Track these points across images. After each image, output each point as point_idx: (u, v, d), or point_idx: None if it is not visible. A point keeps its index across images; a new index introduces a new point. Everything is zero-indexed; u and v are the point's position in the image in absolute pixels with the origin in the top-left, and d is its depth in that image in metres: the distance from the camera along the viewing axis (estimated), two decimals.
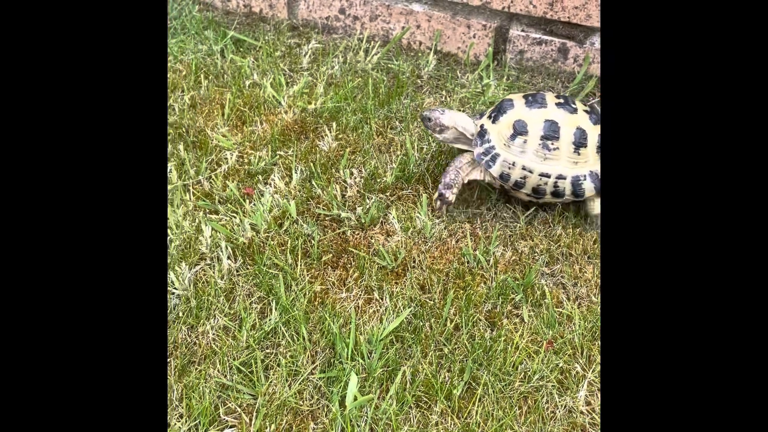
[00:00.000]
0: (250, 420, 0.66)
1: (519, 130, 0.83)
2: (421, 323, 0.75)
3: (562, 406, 0.69)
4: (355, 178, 0.93)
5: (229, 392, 0.68)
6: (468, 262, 0.82)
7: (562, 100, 0.85)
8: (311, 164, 0.94)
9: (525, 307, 0.77)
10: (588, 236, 0.86)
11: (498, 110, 0.86)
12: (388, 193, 0.91)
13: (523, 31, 1.14)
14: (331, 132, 1.00)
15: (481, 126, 0.86)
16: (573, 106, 0.85)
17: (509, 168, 0.84)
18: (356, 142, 0.99)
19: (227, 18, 1.27)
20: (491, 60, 1.17)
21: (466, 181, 0.87)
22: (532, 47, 1.15)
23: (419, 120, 0.98)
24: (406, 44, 1.22)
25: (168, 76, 1.09)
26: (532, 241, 0.86)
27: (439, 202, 0.87)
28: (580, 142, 0.83)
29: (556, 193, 0.84)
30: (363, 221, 0.87)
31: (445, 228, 0.87)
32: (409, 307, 0.76)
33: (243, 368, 0.70)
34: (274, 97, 1.06)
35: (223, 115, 1.02)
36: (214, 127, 1.00)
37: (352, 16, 1.23)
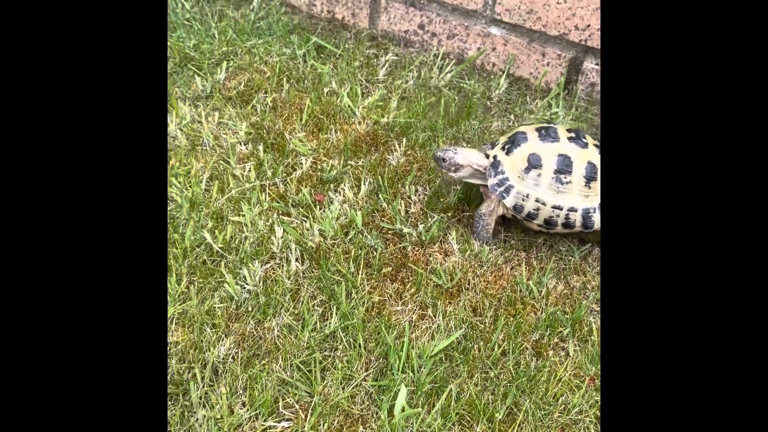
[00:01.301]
0: (306, 417, 0.72)
1: (534, 163, 0.86)
2: (471, 345, 0.79)
3: None
4: (420, 195, 0.98)
5: (288, 388, 0.74)
6: (520, 291, 0.86)
7: (573, 135, 0.88)
8: (379, 177, 0.99)
9: (572, 341, 0.81)
10: None
11: (512, 142, 0.89)
12: (449, 214, 0.96)
13: (597, 64, 1.16)
14: (400, 147, 1.05)
15: (495, 157, 0.89)
16: (584, 140, 0.87)
17: (523, 200, 0.87)
18: (423, 160, 1.03)
19: (311, 21, 1.33)
20: (562, 89, 1.19)
21: (492, 223, 0.90)
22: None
23: (433, 159, 1.00)
24: (479, 64, 1.25)
25: (253, 77, 1.15)
26: (585, 276, 0.89)
27: (478, 242, 0.91)
28: (591, 176, 0.86)
29: (567, 224, 0.87)
30: (423, 238, 0.91)
31: (501, 254, 0.91)
32: (460, 328, 0.81)
33: (302, 367, 0.76)
34: (349, 107, 1.11)
35: (301, 120, 1.08)
36: (293, 131, 1.06)
37: (430, 33, 1.27)
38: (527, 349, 0.80)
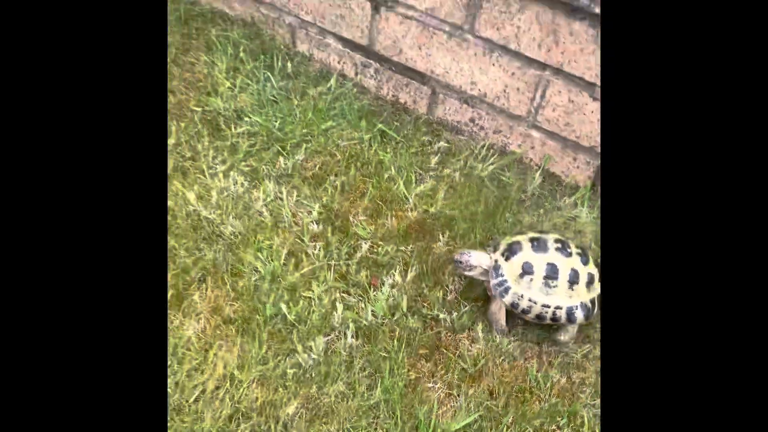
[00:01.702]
0: None
1: (527, 270, 1.07)
2: (485, 425, 1.00)
3: None
4: (456, 284, 1.19)
5: None
6: (530, 381, 1.07)
7: (560, 245, 1.08)
8: (424, 264, 1.20)
9: (567, 430, 1.01)
10: None
11: (510, 251, 1.09)
12: (480, 303, 1.16)
13: None
14: (443, 237, 1.25)
15: (496, 261, 1.09)
16: (568, 250, 1.07)
17: (519, 299, 1.07)
18: (463, 247, 1.24)
19: (377, 103, 1.54)
20: (588, 190, 1.38)
21: (501, 317, 1.10)
22: None
23: (453, 261, 1.18)
24: (518, 156, 1.44)
25: (326, 160, 1.37)
26: (585, 373, 1.09)
27: (498, 334, 1.11)
28: (573, 281, 1.06)
29: (554, 319, 1.07)
30: (455, 326, 1.12)
31: (518, 346, 1.11)
32: (478, 410, 1.02)
33: (352, 431, 0.98)
34: (404, 194, 1.32)
35: (363, 204, 1.30)
36: (356, 214, 1.28)
37: (479, 126, 1.46)
38: None
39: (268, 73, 1.52)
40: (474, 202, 1.33)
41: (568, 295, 1.06)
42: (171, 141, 1.35)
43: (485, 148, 1.44)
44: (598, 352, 1.12)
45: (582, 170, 1.38)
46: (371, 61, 1.52)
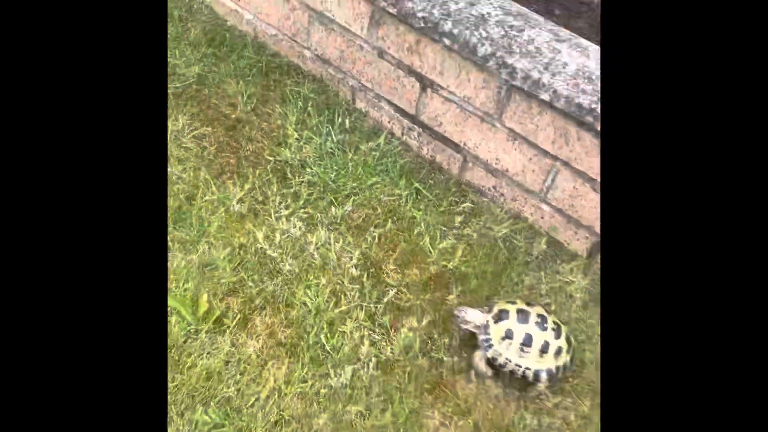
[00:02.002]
0: None
1: (508, 335, 1.36)
2: None
3: None
4: (461, 333, 1.48)
5: None
6: (507, 420, 1.37)
7: (539, 320, 1.36)
8: (437, 313, 1.50)
9: None
10: None
11: (499, 317, 1.38)
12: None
13: None
14: (456, 290, 1.55)
15: (487, 322, 1.38)
16: (545, 325, 1.35)
17: (498, 356, 1.36)
18: (471, 302, 1.53)
19: (417, 160, 1.82)
20: (584, 260, 1.65)
21: (482, 366, 1.39)
22: None
23: (453, 315, 1.46)
24: (529, 224, 1.72)
25: (369, 213, 1.68)
26: (553, 418, 1.38)
27: (479, 370, 1.41)
28: (543, 350, 1.34)
29: (524, 376, 1.36)
30: (455, 368, 1.43)
31: (503, 391, 1.41)
32: None
33: None
34: (429, 249, 1.62)
35: (394, 255, 1.60)
36: (387, 263, 1.58)
37: (500, 192, 1.74)
38: None
39: (330, 127, 1.83)
40: (486, 262, 1.61)
41: (537, 360, 1.35)
42: (247, 186, 1.67)
43: (503, 211, 1.72)
44: (567, 401, 1.40)
45: (581, 243, 1.65)
46: (416, 126, 1.80)
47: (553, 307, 1.55)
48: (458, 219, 1.69)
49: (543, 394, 1.40)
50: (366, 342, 1.43)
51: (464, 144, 1.72)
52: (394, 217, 1.67)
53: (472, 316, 1.41)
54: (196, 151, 1.74)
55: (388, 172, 1.77)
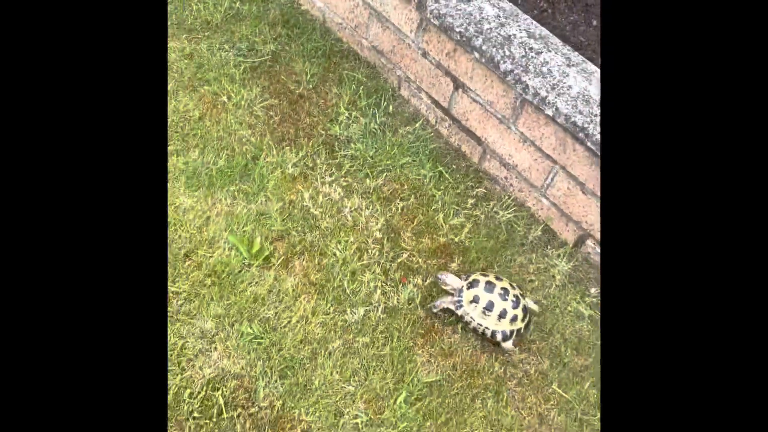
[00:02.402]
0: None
1: (475, 300, 1.70)
2: (444, 384, 1.69)
3: None
4: (441, 292, 1.84)
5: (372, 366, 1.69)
6: (479, 366, 1.73)
7: (502, 292, 1.70)
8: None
9: (491, 402, 1.68)
10: None
11: (471, 284, 1.72)
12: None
13: (594, 244, 1.93)
14: (457, 260, 1.90)
15: (461, 287, 1.73)
16: (506, 296, 1.69)
17: (465, 314, 1.71)
18: (470, 270, 1.88)
19: (445, 146, 2.16)
20: (570, 249, 1.97)
21: (444, 307, 1.75)
22: (596, 255, 1.94)
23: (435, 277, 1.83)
24: (531, 213, 2.04)
25: (396, 187, 2.03)
26: (515, 369, 1.74)
27: (434, 309, 1.76)
28: (501, 316, 1.68)
29: (483, 334, 1.71)
30: (445, 321, 1.79)
31: (480, 344, 1.77)
32: (442, 375, 1.70)
33: (366, 366, 1.70)
34: (442, 223, 1.97)
35: (413, 226, 1.96)
36: (406, 231, 1.95)
37: (510, 183, 2.06)
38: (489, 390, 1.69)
39: (375, 110, 2.17)
40: (487, 240, 1.96)
41: (495, 322, 1.70)
42: (301, 154, 2.05)
43: (510, 199, 2.05)
44: (531, 359, 1.76)
45: (570, 234, 1.97)
46: (447, 118, 2.13)
47: (536, 284, 1.89)
48: (471, 201, 2.03)
49: (511, 351, 1.75)
50: (378, 291, 1.81)
51: (485, 139, 2.04)
52: (417, 194, 2.03)
53: (451, 281, 1.77)
54: (263, 119, 2.12)
55: (419, 154, 2.11)
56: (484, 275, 1.76)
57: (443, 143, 2.16)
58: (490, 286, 1.72)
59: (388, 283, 1.84)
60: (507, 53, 1.81)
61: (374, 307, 1.79)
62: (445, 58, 1.99)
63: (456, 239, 1.94)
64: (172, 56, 2.20)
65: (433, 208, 2.00)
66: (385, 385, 1.66)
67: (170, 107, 2.08)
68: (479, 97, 1.96)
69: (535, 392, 1.70)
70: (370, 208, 1.97)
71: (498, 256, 1.93)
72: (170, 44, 2.23)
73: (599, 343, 1.79)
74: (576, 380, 1.73)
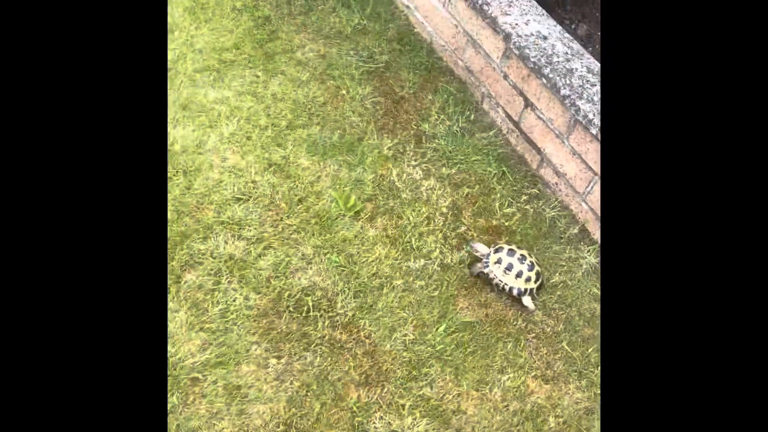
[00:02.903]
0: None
1: (498, 261, 2.17)
2: (476, 328, 2.17)
3: None
4: (473, 256, 2.33)
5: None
6: (508, 318, 2.21)
7: (521, 257, 2.17)
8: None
9: (510, 346, 2.15)
10: None
11: (497, 249, 2.20)
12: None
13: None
14: (503, 239, 2.39)
15: (488, 253, 2.21)
16: (524, 261, 2.16)
17: (490, 272, 2.18)
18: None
19: (511, 151, 2.65)
20: (599, 247, 2.41)
21: (478, 271, 2.23)
22: None
23: (468, 246, 2.30)
24: (572, 213, 2.50)
25: (466, 177, 2.55)
26: (533, 324, 2.20)
27: (471, 269, 2.25)
28: (517, 275, 2.14)
29: (502, 288, 2.17)
30: (481, 281, 2.28)
31: (509, 299, 2.25)
32: (476, 319, 2.19)
33: (411, 296, 2.21)
34: (497, 210, 2.46)
35: (473, 209, 2.47)
36: (467, 210, 2.45)
37: (559, 188, 2.53)
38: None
39: (459, 117, 2.71)
40: (531, 228, 2.43)
41: (513, 280, 2.17)
42: (395, 141, 2.61)
43: (557, 201, 2.52)
44: (549, 321, 2.21)
45: (593, 223, 2.41)
46: (516, 130, 2.63)
47: (565, 268, 2.34)
48: (524, 197, 2.52)
49: (532, 310, 2.22)
50: (437, 250, 2.33)
51: (544, 149, 2.53)
52: (482, 185, 2.54)
53: (481, 248, 2.26)
54: (371, 111, 2.70)
55: (488, 155, 2.62)
56: (508, 244, 2.25)
57: (510, 150, 2.66)
58: (511, 252, 2.20)
59: (446, 247, 2.35)
60: (567, 82, 2.30)
61: (432, 261, 2.30)
62: (520, 81, 2.50)
63: (506, 224, 2.44)
64: (309, 55, 2.84)
65: (492, 197, 2.50)
66: (431, 317, 2.17)
67: (302, 92, 2.70)
68: (543, 114, 2.46)
69: (547, 345, 2.16)
70: (442, 189, 2.50)
71: (538, 242, 2.40)
72: (310, 46, 2.87)
73: None
74: (583, 345, 2.17)
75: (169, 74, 2.62)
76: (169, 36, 2.77)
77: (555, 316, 2.23)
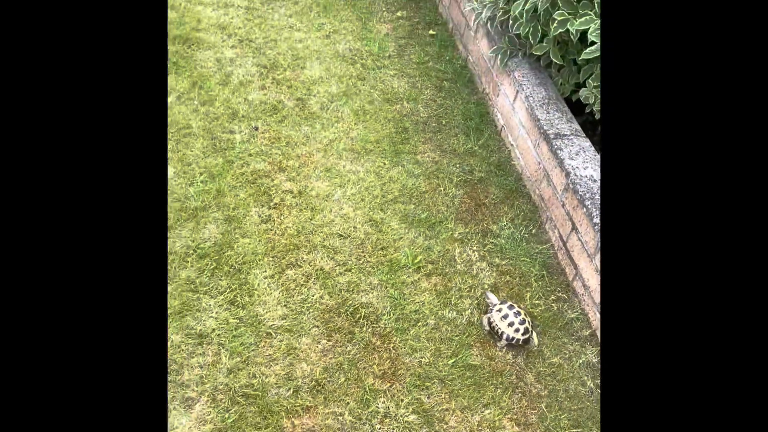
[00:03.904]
0: None
1: (499, 311, 2.80)
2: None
3: None
4: (485, 302, 2.96)
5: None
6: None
7: (517, 311, 2.79)
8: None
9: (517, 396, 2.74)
10: None
11: (502, 302, 2.84)
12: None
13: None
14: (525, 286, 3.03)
15: (495, 304, 2.85)
16: (518, 316, 2.77)
17: (492, 319, 2.81)
18: (519, 285, 2.99)
19: (556, 264, 3.32)
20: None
21: (486, 324, 2.85)
22: None
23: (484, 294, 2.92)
24: (587, 319, 3.07)
25: (509, 267, 3.26)
26: (538, 361, 2.77)
27: (484, 327, 2.87)
28: (510, 324, 2.75)
29: (496, 332, 2.79)
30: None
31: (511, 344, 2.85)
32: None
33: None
34: (527, 298, 3.13)
35: (508, 289, 3.15)
36: (502, 291, 3.15)
37: (583, 298, 3.14)
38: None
39: (524, 228, 3.46)
40: (550, 319, 3.05)
41: (506, 327, 2.78)
42: (468, 228, 3.41)
43: (579, 307, 3.12)
44: (530, 379, 2.77)
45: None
46: (563, 247, 3.32)
47: (567, 355, 2.91)
48: (553, 297, 3.16)
49: (503, 347, 2.80)
50: (468, 310, 3.02)
51: (579, 265, 3.18)
52: (522, 278, 3.22)
53: (492, 298, 2.93)
54: (456, 206, 3.54)
55: (535, 260, 3.32)
56: (513, 303, 2.90)
57: (555, 262, 3.34)
58: (511, 307, 2.84)
59: (477, 310, 3.04)
60: (599, 212, 3.01)
61: (462, 316, 3.00)
62: (572, 209, 3.24)
63: (531, 310, 3.08)
64: (426, 159, 3.81)
65: (526, 290, 3.18)
66: (447, 351, 2.84)
67: (411, 181, 3.64)
68: (582, 237, 3.15)
69: (529, 401, 2.72)
70: (489, 272, 3.23)
71: (551, 330, 3.01)
72: (429, 153, 3.85)
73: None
74: (558, 411, 2.70)
75: (325, 147, 3.71)
76: (336, 124, 3.89)
77: (544, 384, 2.79)
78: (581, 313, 3.11)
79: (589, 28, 2.98)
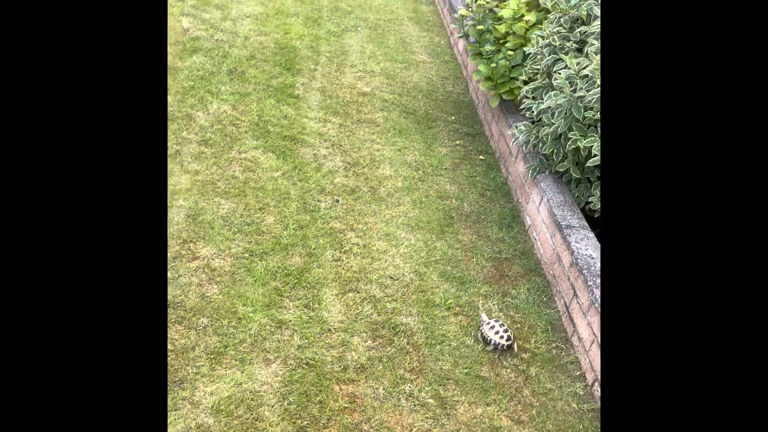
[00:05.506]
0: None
1: (488, 323, 3.61)
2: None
3: None
4: (479, 319, 3.75)
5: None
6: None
7: (501, 324, 3.64)
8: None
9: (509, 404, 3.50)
10: None
11: (490, 317, 3.65)
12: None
13: (598, 390, 3.64)
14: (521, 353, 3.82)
15: (487, 320, 3.67)
16: (502, 327, 3.62)
17: (483, 330, 3.65)
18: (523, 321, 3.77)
19: (559, 323, 4.14)
20: (586, 386, 3.69)
21: (481, 336, 3.64)
22: (597, 393, 3.65)
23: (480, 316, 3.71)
24: (580, 366, 3.84)
25: (521, 326, 4.11)
26: (518, 360, 3.52)
27: (480, 339, 3.65)
28: (496, 332, 3.59)
29: (484, 339, 3.62)
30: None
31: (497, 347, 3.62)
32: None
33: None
34: (529, 348, 3.94)
35: (519, 341, 3.98)
36: (517, 341, 3.98)
37: (577, 348, 3.92)
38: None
39: (536, 296, 4.35)
40: (547, 358, 3.84)
41: (492, 335, 3.58)
42: (489, 290, 4.32)
43: (573, 356, 3.91)
44: (525, 393, 3.52)
45: (593, 383, 3.72)
46: (567, 311, 4.17)
47: (558, 383, 3.66)
48: (553, 344, 3.96)
49: (491, 349, 3.56)
50: (479, 347, 3.86)
51: (576, 322, 4.01)
52: (529, 327, 4.06)
53: (484, 317, 3.76)
54: (483, 274, 4.47)
55: (543, 318, 4.17)
56: (498, 320, 3.72)
57: (560, 323, 4.17)
58: (498, 322, 3.67)
59: (484, 349, 3.87)
60: (594, 280, 3.90)
61: (478, 343, 3.83)
62: (573, 279, 4.13)
63: (532, 349, 3.89)
64: (465, 240, 4.83)
65: (533, 337, 4.00)
66: (463, 363, 3.65)
67: (452, 251, 4.63)
68: (580, 300, 4.01)
69: (523, 408, 3.47)
70: (505, 318, 4.08)
71: (547, 364, 3.79)
72: (469, 237, 4.88)
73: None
74: (546, 417, 3.43)
75: (387, 220, 4.80)
76: (397, 207, 5.01)
77: (538, 398, 3.54)
78: (575, 358, 3.89)
79: (593, 145, 4.08)
